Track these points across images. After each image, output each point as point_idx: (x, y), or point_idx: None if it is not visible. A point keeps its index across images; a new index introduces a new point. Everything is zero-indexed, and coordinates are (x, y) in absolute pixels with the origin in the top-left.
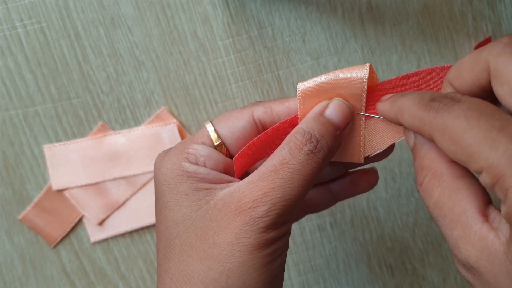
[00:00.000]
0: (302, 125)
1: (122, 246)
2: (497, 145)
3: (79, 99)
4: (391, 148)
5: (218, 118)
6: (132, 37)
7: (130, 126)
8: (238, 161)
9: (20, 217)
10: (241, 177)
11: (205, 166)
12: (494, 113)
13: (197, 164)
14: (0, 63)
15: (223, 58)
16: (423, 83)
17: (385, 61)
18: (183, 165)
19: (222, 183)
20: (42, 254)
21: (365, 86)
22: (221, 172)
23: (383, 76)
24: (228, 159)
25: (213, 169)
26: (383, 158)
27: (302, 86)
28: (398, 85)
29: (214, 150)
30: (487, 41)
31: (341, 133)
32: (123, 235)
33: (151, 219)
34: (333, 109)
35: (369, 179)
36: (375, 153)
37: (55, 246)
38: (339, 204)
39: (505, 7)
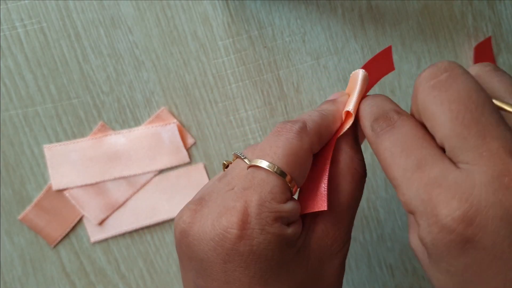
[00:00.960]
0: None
1: (122, 246)
2: (411, 185)
3: (79, 99)
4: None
5: (286, 159)
6: (132, 37)
7: (130, 126)
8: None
9: (20, 217)
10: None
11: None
12: (417, 145)
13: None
14: (0, 63)
15: (223, 58)
16: (376, 67)
17: None
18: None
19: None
20: (42, 254)
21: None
22: None
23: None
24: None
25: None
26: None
27: (351, 108)
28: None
29: (294, 201)
30: (487, 41)
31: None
32: (123, 235)
33: (151, 219)
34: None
35: None
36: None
37: (55, 246)
38: None
39: (505, 7)
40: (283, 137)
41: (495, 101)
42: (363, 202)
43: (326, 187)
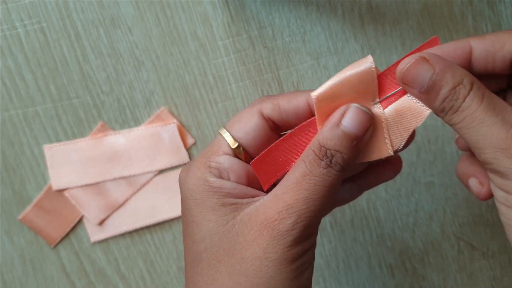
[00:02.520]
0: (318, 138)
1: (122, 246)
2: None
3: (79, 99)
4: (413, 134)
5: (230, 122)
6: (132, 37)
7: (130, 126)
8: (257, 166)
9: (20, 217)
10: (268, 190)
11: (229, 179)
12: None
13: (221, 177)
14: (0, 63)
15: (223, 58)
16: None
17: (385, 61)
18: (209, 180)
19: (248, 197)
20: (42, 254)
21: (375, 74)
22: (244, 183)
23: None
24: (250, 168)
25: (236, 182)
26: (407, 147)
27: (315, 93)
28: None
29: (236, 160)
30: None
31: (359, 142)
32: (123, 235)
33: (151, 219)
34: (350, 118)
35: (394, 167)
36: (403, 143)
37: (55, 246)
38: None
39: (505, 7)
40: (245, 110)
41: None
42: (363, 202)
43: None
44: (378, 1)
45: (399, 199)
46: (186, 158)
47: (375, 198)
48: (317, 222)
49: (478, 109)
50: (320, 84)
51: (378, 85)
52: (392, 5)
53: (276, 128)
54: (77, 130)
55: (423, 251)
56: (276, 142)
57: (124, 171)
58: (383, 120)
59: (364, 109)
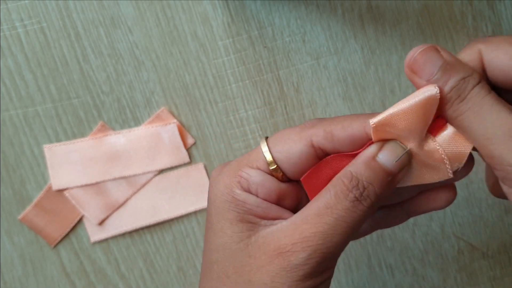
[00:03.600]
0: (350, 168)
1: (122, 246)
2: None
3: (79, 99)
4: (472, 160)
5: (274, 138)
6: (132, 37)
7: (130, 126)
8: (307, 181)
9: (20, 217)
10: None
11: (257, 194)
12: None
13: (249, 191)
14: (0, 63)
15: (223, 58)
16: None
17: (385, 61)
18: (235, 191)
19: (269, 218)
20: (42, 254)
21: (437, 101)
22: (273, 200)
23: (383, 76)
24: (283, 186)
25: (264, 198)
26: (467, 174)
27: (374, 120)
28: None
29: (268, 177)
30: None
31: (394, 179)
32: (123, 235)
33: (151, 219)
34: (387, 152)
35: (447, 195)
36: (461, 165)
37: (55, 246)
38: None
39: (505, 7)
40: (293, 131)
41: None
42: None
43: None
44: (378, 1)
45: None
46: (186, 158)
47: None
48: (333, 258)
49: (486, 97)
50: (320, 84)
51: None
52: (392, 5)
53: (325, 155)
54: (77, 130)
55: (423, 251)
56: (328, 157)
57: (124, 171)
58: (436, 143)
59: (403, 146)
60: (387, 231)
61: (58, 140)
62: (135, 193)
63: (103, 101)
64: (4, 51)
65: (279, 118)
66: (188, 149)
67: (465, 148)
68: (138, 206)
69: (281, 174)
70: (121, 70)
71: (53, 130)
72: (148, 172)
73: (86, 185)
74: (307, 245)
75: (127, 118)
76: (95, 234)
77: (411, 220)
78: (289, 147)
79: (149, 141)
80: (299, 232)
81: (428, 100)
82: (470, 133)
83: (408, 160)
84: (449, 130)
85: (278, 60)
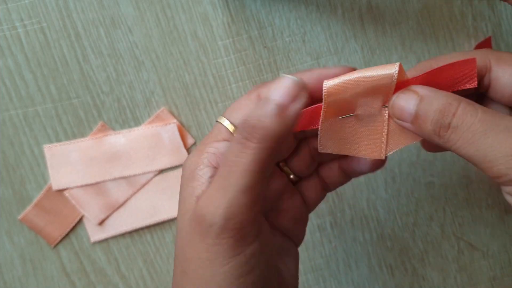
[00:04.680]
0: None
1: (122, 246)
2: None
3: (79, 99)
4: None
5: (229, 110)
6: (132, 37)
7: (130, 126)
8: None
9: (20, 217)
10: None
11: None
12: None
13: (217, 165)
14: (0, 63)
15: (223, 58)
16: (454, 75)
17: (385, 61)
18: (198, 167)
19: None
20: (42, 254)
21: (394, 82)
22: None
23: None
24: None
25: None
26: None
27: (328, 84)
28: (430, 80)
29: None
30: (487, 41)
31: (285, 111)
32: (123, 235)
33: (151, 219)
34: (274, 86)
35: (376, 160)
36: (394, 151)
37: (55, 246)
38: (339, 204)
39: (505, 7)
40: (242, 97)
41: None
42: (363, 202)
43: None
44: (378, 1)
45: (399, 199)
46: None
47: (375, 198)
48: (248, 215)
49: (476, 121)
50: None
51: (396, 91)
52: (392, 5)
53: None
54: (77, 130)
55: (423, 251)
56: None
57: (124, 171)
58: (385, 124)
59: (292, 77)
60: (386, 231)
61: (58, 140)
62: (135, 193)
63: (103, 101)
64: (4, 51)
65: None
66: (188, 149)
67: (407, 139)
68: (138, 206)
69: None
70: (121, 70)
71: (53, 130)
72: (148, 172)
73: (86, 185)
74: (214, 207)
75: (127, 118)
76: (95, 234)
77: (411, 220)
78: (243, 109)
79: (149, 141)
80: (207, 196)
81: (384, 77)
82: (470, 159)
83: (298, 89)
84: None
85: (278, 60)
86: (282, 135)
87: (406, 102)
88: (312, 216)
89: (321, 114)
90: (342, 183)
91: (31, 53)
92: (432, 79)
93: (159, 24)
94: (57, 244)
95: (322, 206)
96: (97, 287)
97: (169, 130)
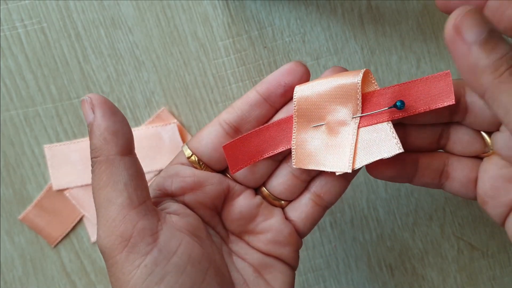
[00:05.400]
0: None
1: None
2: None
3: (80, 99)
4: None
5: (193, 138)
6: (132, 38)
7: (130, 126)
8: (228, 150)
9: (20, 217)
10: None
11: (171, 185)
12: None
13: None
14: (0, 63)
15: (223, 59)
16: (429, 91)
17: (384, 61)
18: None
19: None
20: (43, 254)
21: (359, 90)
22: (189, 186)
23: (383, 76)
24: (198, 172)
25: (179, 187)
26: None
27: (298, 95)
28: (394, 95)
29: (183, 167)
30: None
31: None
32: None
33: None
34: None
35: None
36: (362, 165)
37: (55, 246)
38: (339, 204)
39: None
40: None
41: None
42: (363, 202)
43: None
44: (378, 1)
45: (398, 199)
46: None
47: (375, 198)
48: (130, 231)
49: None
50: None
51: (366, 101)
52: (392, 5)
53: (236, 132)
54: (78, 130)
55: (423, 251)
56: (251, 131)
57: None
58: (353, 135)
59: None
60: (386, 231)
61: (59, 140)
62: None
63: None
64: (4, 51)
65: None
66: None
67: (377, 153)
68: None
69: (196, 159)
70: (122, 70)
71: (53, 130)
72: (149, 172)
73: (87, 185)
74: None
75: (127, 118)
76: (95, 233)
77: (411, 220)
78: (200, 134)
79: (149, 141)
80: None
81: (348, 86)
82: (505, 106)
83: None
84: (376, 128)
85: (278, 61)
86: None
87: (479, 20)
88: None
89: (294, 122)
90: (339, 193)
91: (31, 53)
92: (404, 92)
93: (159, 24)
94: (57, 244)
95: None
96: (97, 287)
97: (169, 130)
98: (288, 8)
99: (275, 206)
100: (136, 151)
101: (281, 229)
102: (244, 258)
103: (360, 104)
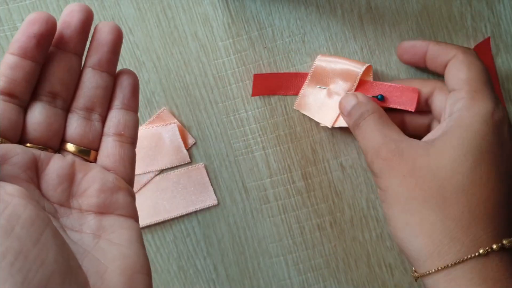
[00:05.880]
0: None
1: None
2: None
3: None
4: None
5: None
6: (132, 38)
7: None
8: (256, 79)
9: None
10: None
11: None
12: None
13: None
14: (1, 63)
15: (224, 59)
16: (401, 96)
17: (384, 61)
18: None
19: None
20: None
21: (359, 77)
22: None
23: (382, 76)
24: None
25: None
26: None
27: (318, 62)
28: (379, 89)
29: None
30: (485, 41)
31: None
32: None
33: (151, 219)
34: None
35: None
36: (339, 126)
37: None
38: (338, 204)
39: (504, 7)
40: None
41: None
42: (362, 202)
43: None
44: (378, 2)
45: None
46: (186, 158)
47: (375, 197)
48: None
49: (370, 125)
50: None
51: (360, 86)
52: (391, 5)
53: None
54: None
55: None
56: (273, 73)
57: None
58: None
59: None
60: (386, 230)
61: None
62: (136, 192)
63: None
64: (5, 51)
65: (279, 118)
66: (188, 149)
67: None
68: (138, 206)
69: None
70: None
71: None
72: (149, 172)
73: None
74: None
75: None
76: None
77: None
78: None
79: (149, 141)
80: None
81: (353, 72)
82: (361, 145)
83: None
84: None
85: (278, 61)
86: None
87: (347, 102)
88: (311, 215)
89: (307, 79)
90: (136, 124)
91: None
92: (386, 90)
93: (159, 24)
94: None
95: (321, 206)
96: None
97: (169, 130)
98: (288, 8)
99: (89, 162)
100: (136, 151)
101: (104, 176)
102: (79, 230)
103: (355, 86)
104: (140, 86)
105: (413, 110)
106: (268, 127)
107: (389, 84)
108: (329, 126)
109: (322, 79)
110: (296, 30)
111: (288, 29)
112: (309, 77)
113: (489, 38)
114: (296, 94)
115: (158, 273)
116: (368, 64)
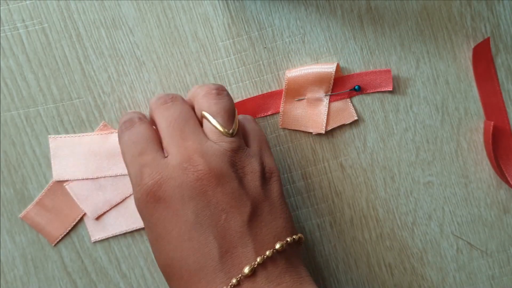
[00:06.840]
0: None
1: (123, 246)
2: (133, 165)
3: (81, 99)
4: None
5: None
6: (133, 38)
7: None
8: (237, 108)
9: (21, 215)
10: None
11: None
12: (144, 140)
13: None
14: (1, 63)
15: (224, 59)
16: (376, 79)
17: (384, 61)
18: None
19: None
20: (43, 253)
21: (332, 77)
22: None
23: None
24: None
25: None
26: None
27: (288, 75)
28: (354, 81)
29: None
30: (485, 42)
31: None
32: (124, 234)
33: None
34: None
35: None
36: (330, 128)
37: (56, 245)
38: (338, 204)
39: (504, 7)
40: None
41: (203, 112)
42: (362, 202)
43: None
44: (378, 2)
45: (398, 198)
46: None
47: (374, 197)
48: None
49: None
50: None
51: (335, 84)
52: (391, 6)
53: None
54: (79, 130)
55: (422, 250)
56: (249, 98)
57: (126, 169)
58: (326, 107)
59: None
60: (386, 230)
61: None
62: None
63: (104, 101)
64: (5, 52)
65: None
66: None
67: (341, 120)
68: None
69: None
70: (122, 71)
71: (54, 130)
72: None
73: (87, 179)
74: None
75: None
76: (95, 233)
77: (410, 219)
78: None
79: None
80: None
81: (325, 73)
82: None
83: None
84: (341, 102)
85: (278, 61)
86: None
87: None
88: (311, 215)
89: (283, 95)
90: None
91: (32, 53)
92: (361, 78)
93: (160, 25)
94: (58, 243)
95: (321, 206)
96: (98, 287)
97: None
98: (288, 8)
99: None
100: None
101: None
102: None
103: (331, 86)
104: (140, 86)
105: (391, 89)
106: (268, 127)
107: (361, 72)
108: (323, 132)
109: (297, 91)
110: (296, 30)
111: (288, 29)
112: (284, 93)
113: (488, 38)
114: (277, 112)
115: (159, 273)
116: (337, 62)
